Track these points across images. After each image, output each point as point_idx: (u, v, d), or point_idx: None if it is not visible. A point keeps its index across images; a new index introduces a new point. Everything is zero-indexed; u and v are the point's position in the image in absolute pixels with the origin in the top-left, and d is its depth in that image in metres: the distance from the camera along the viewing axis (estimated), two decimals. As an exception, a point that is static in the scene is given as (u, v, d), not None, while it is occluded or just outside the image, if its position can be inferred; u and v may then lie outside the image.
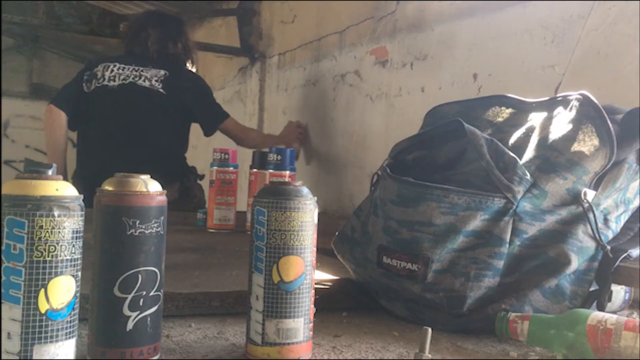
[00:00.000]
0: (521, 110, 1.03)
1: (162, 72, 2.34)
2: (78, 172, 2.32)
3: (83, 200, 0.64)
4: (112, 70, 2.34)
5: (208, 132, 2.47)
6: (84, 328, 0.71)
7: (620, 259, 0.89)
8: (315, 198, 0.75)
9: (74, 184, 0.64)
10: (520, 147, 0.95)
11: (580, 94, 0.95)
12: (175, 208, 1.26)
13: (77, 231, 0.62)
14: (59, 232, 0.60)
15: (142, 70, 2.33)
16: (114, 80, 2.32)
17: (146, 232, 0.68)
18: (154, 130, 2.30)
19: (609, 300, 0.91)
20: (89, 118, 2.34)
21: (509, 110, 1.05)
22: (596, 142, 0.90)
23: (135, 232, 0.67)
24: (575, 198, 0.89)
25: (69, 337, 0.62)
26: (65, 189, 0.62)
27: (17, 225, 0.59)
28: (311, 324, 0.74)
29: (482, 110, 1.07)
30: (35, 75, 6.20)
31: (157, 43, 2.39)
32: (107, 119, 2.33)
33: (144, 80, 2.31)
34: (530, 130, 0.97)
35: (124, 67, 2.34)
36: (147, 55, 2.38)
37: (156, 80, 2.31)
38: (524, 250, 0.88)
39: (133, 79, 2.31)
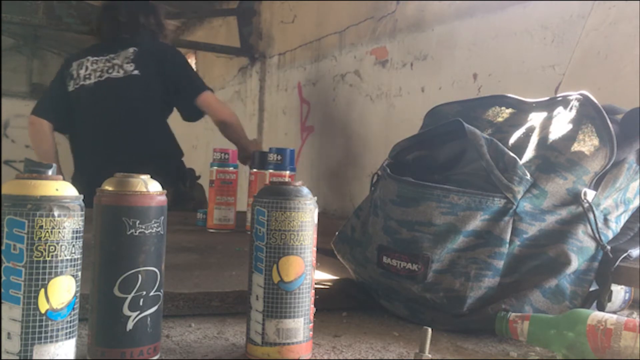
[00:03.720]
0: (521, 110, 1.03)
1: (131, 49, 2.23)
2: (75, 176, 2.28)
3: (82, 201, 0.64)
4: (86, 68, 2.27)
5: (187, 107, 2.31)
6: (84, 328, 0.71)
7: (620, 259, 0.89)
8: (315, 198, 0.75)
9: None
10: (520, 147, 0.95)
11: (580, 94, 0.95)
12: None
13: (77, 231, 0.62)
14: (59, 232, 0.60)
15: (113, 58, 2.24)
16: (90, 79, 2.25)
17: (146, 232, 0.68)
18: (139, 127, 2.21)
19: (609, 300, 0.91)
20: (74, 121, 2.30)
21: (509, 110, 1.05)
22: (596, 142, 0.90)
23: (135, 232, 0.67)
24: (575, 198, 0.89)
25: (69, 337, 0.62)
26: (65, 189, 0.62)
27: (17, 225, 0.59)
28: (311, 324, 0.74)
29: (482, 110, 1.07)
30: (35, 75, 6.21)
31: (126, 16, 2.28)
32: (90, 122, 2.27)
33: (118, 70, 2.22)
34: (530, 130, 0.97)
35: (96, 61, 2.26)
36: (117, 34, 2.28)
37: (127, 63, 2.22)
38: (524, 250, 0.88)
39: (107, 72, 2.22)
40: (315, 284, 0.76)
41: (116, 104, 2.23)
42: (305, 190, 0.74)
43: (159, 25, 2.37)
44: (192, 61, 4.19)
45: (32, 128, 2.30)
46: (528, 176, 0.89)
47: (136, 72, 2.21)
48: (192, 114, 2.35)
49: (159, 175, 0.76)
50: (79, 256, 0.63)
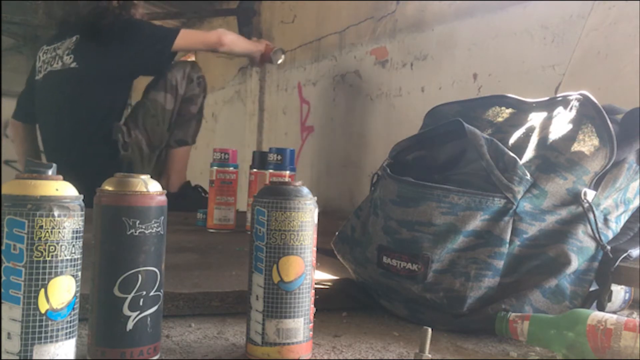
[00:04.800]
0: (521, 110, 1.03)
1: (74, 38, 2.13)
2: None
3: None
4: (40, 59, 2.21)
5: (160, 65, 2.20)
6: (84, 328, 0.71)
7: (620, 259, 0.89)
8: (315, 198, 0.75)
9: None
10: (520, 147, 0.95)
11: (580, 94, 0.95)
12: None
13: (77, 231, 0.62)
14: (59, 232, 0.60)
15: (57, 48, 2.15)
16: (40, 73, 2.20)
17: (146, 232, 0.67)
18: (79, 128, 2.11)
19: (609, 300, 0.91)
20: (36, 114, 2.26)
21: (509, 110, 1.05)
22: (596, 142, 0.90)
23: (135, 232, 0.67)
24: (575, 198, 0.89)
25: (69, 337, 0.62)
26: (65, 189, 0.62)
27: (17, 225, 0.59)
28: (311, 324, 0.74)
29: (482, 110, 1.07)
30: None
31: None
32: (40, 119, 2.23)
33: (57, 62, 2.13)
34: (530, 130, 0.97)
35: (47, 51, 2.19)
36: (66, 17, 2.17)
37: (67, 54, 2.12)
38: (524, 250, 0.88)
39: (50, 64, 2.15)
40: (315, 284, 0.76)
41: (56, 101, 2.16)
42: (305, 190, 0.74)
43: (123, 6, 2.19)
44: (192, 60, 4.19)
45: (11, 131, 2.32)
46: (528, 176, 0.89)
47: (75, 65, 2.11)
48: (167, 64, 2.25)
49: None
50: (79, 256, 0.63)
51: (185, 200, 2.17)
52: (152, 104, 2.16)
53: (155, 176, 2.30)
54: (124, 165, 2.14)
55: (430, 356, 0.72)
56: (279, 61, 2.40)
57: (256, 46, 2.37)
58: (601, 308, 0.87)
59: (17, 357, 0.59)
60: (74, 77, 2.11)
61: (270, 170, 1.63)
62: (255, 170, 1.69)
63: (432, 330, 0.73)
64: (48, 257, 0.60)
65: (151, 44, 2.14)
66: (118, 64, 2.13)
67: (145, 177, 0.70)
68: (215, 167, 1.75)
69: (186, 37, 2.17)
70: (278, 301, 0.71)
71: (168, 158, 2.32)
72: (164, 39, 2.14)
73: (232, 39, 2.28)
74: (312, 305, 0.74)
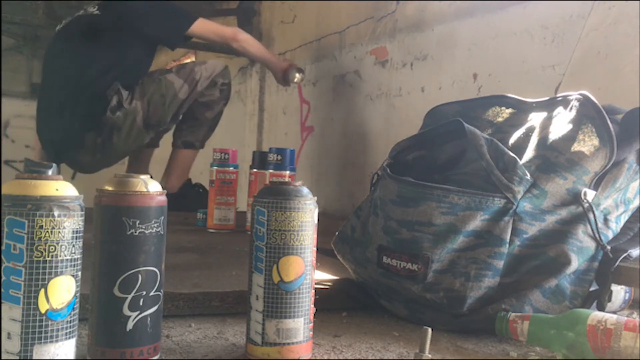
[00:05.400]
0: (521, 110, 1.03)
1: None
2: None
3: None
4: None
5: (174, 42, 2.25)
6: (84, 328, 0.71)
7: (620, 259, 0.89)
8: (315, 198, 0.75)
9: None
10: (520, 147, 0.95)
11: (580, 94, 0.95)
12: None
13: (77, 231, 0.62)
14: (59, 232, 0.60)
15: (84, 5, 2.20)
16: (61, 24, 2.22)
17: (146, 232, 0.67)
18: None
19: (609, 300, 0.91)
20: None
21: (509, 110, 1.05)
22: (596, 142, 0.90)
23: (135, 232, 0.67)
24: (575, 198, 0.89)
25: (69, 337, 0.62)
26: (65, 189, 0.62)
27: (17, 225, 0.59)
28: (311, 324, 0.74)
29: (482, 110, 1.07)
30: (35, 75, 6.19)
31: None
32: (46, 70, 2.23)
33: (80, 11, 2.17)
34: (530, 130, 0.97)
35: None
36: None
37: (92, 6, 2.16)
38: (524, 250, 0.88)
39: (72, 15, 2.18)
40: (315, 284, 0.76)
41: (68, 44, 2.17)
42: (305, 190, 0.74)
43: None
44: (192, 60, 4.19)
45: None
46: (528, 176, 0.89)
47: (96, 11, 2.14)
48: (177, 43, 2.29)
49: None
50: (79, 256, 0.63)
51: (185, 200, 2.16)
52: (167, 84, 2.14)
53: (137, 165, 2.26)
54: (106, 129, 2.08)
55: (430, 356, 0.72)
56: (295, 80, 2.33)
57: (277, 59, 2.37)
58: (601, 308, 0.87)
59: (17, 357, 0.59)
60: (93, 21, 2.12)
61: (270, 170, 1.63)
62: (255, 170, 1.69)
63: (432, 330, 0.73)
64: (48, 257, 0.60)
65: (170, 19, 2.17)
66: (136, 22, 2.13)
67: (145, 177, 0.70)
68: (215, 167, 1.75)
69: (202, 25, 2.19)
70: (278, 301, 0.71)
71: (171, 157, 2.31)
72: (183, 19, 2.16)
73: (247, 38, 2.27)
74: (312, 305, 0.74)
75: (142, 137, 2.15)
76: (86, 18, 2.15)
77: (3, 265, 0.59)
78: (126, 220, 0.67)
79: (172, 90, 2.13)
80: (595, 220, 0.89)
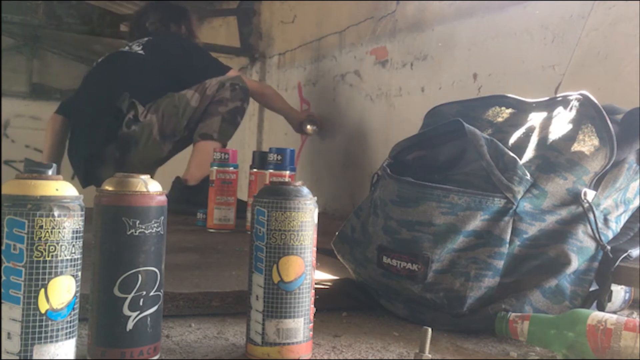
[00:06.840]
0: (521, 110, 1.03)
1: (145, 39, 2.27)
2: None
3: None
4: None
5: None
6: (84, 328, 0.71)
7: (620, 259, 0.89)
8: (315, 198, 0.75)
9: None
10: (520, 147, 0.95)
11: (580, 94, 0.95)
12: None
13: (77, 231, 0.62)
14: (59, 232, 0.60)
15: (128, 44, 2.29)
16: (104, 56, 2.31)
17: (146, 232, 0.67)
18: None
19: (609, 300, 0.91)
20: None
21: (509, 110, 1.05)
22: (596, 142, 0.90)
23: (135, 232, 0.67)
24: (575, 198, 0.89)
25: (69, 337, 0.62)
26: (65, 189, 0.62)
27: (17, 225, 0.59)
28: (311, 324, 0.74)
29: (482, 110, 1.07)
30: (35, 75, 6.19)
31: (156, 23, 2.34)
32: (82, 92, 2.29)
33: (125, 48, 2.26)
34: (530, 130, 0.97)
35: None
36: (145, 20, 2.34)
37: (137, 45, 2.26)
38: (524, 250, 0.88)
39: (117, 49, 2.27)
40: (315, 284, 0.76)
41: (105, 72, 2.26)
42: (305, 190, 0.74)
43: (190, 32, 2.41)
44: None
45: (49, 124, 2.36)
46: (528, 176, 0.89)
47: (141, 52, 2.23)
48: None
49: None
50: (79, 256, 0.63)
51: (203, 196, 2.18)
52: (179, 96, 2.20)
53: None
54: (122, 143, 2.12)
55: (430, 356, 0.72)
56: (309, 132, 2.49)
57: (296, 112, 2.54)
58: (601, 308, 0.87)
59: (17, 357, 0.59)
60: (134, 59, 2.21)
61: (270, 170, 1.63)
62: (255, 170, 1.69)
63: (432, 330, 0.73)
64: (48, 257, 0.60)
65: (210, 73, 2.26)
66: (181, 73, 2.23)
67: (145, 177, 0.70)
68: (215, 167, 1.75)
69: (234, 75, 2.29)
70: (278, 301, 0.71)
71: (192, 151, 2.32)
72: (217, 70, 2.29)
73: (272, 93, 2.50)
74: (312, 305, 0.74)
75: (159, 149, 2.20)
76: (130, 56, 2.23)
77: (3, 265, 0.59)
78: (126, 220, 0.67)
79: (184, 100, 2.19)
80: (595, 220, 0.89)
